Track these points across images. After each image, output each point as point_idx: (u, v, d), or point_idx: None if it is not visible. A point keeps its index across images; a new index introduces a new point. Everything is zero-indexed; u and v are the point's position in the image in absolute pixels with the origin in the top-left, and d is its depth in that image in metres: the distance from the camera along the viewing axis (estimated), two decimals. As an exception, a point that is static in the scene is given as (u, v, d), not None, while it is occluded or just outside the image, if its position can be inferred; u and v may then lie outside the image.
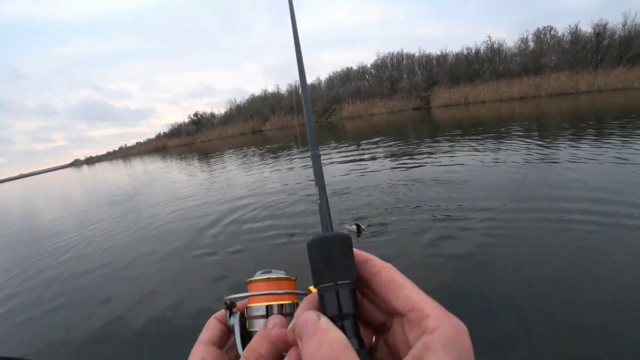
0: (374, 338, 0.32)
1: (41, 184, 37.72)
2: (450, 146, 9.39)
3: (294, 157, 12.44)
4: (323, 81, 42.83)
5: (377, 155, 9.83)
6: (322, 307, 0.28)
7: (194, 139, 47.99)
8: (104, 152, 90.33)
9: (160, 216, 7.26)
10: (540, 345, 2.12)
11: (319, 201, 0.35)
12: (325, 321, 0.26)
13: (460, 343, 0.24)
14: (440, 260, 3.34)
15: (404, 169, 7.40)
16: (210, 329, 0.36)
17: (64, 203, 14.52)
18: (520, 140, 8.72)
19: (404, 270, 0.26)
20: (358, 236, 4.17)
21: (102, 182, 20.72)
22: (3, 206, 20.43)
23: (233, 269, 4.00)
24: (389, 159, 9.01)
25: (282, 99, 41.86)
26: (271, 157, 13.99)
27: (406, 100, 32.09)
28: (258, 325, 0.34)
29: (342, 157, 10.43)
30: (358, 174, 7.57)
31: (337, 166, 8.95)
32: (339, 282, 0.28)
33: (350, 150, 11.55)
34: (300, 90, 0.44)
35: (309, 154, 0.38)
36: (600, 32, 25.01)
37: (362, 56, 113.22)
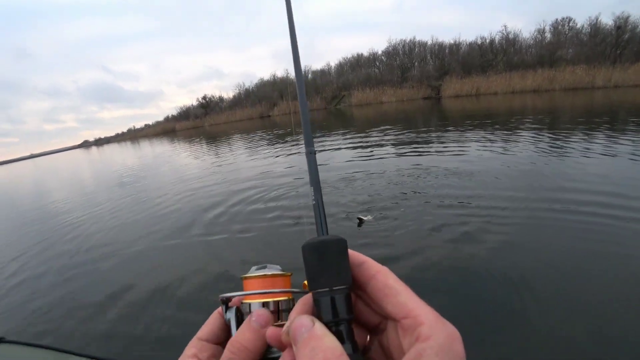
0: (368, 337, 0.33)
1: (51, 164, 38.32)
2: (459, 137, 9.29)
3: (301, 142, 12.41)
4: (333, 67, 42.47)
5: (385, 144, 9.76)
6: (317, 311, 0.28)
7: (202, 122, 48.08)
8: (112, 133, 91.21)
9: (168, 196, 7.40)
10: (555, 341, 2.13)
11: (313, 202, 0.34)
12: (319, 327, 0.26)
13: (454, 351, 0.24)
14: (448, 252, 3.34)
15: (413, 158, 7.36)
16: (210, 324, 0.36)
17: (73, 183, 14.78)
18: (532, 134, 8.60)
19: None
20: (359, 227, 4.14)
21: (110, 164, 20.98)
22: (16, 185, 20.89)
23: (237, 250, 4.08)
24: (397, 148, 8.96)
25: (291, 83, 41.33)
26: (279, 142, 14.00)
27: (416, 89, 31.62)
28: None
29: (350, 144, 10.39)
30: (365, 162, 7.55)
31: (344, 153, 8.94)
32: (334, 288, 0.28)
33: (358, 138, 11.50)
34: (295, 80, 0.42)
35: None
36: (622, 25, 24.24)
37: (373, 42, 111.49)
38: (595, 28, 26.13)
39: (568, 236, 3.32)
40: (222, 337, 0.35)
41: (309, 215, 0.33)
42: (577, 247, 3.11)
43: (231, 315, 0.35)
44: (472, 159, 6.60)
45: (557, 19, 28.90)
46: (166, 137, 41.13)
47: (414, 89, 31.82)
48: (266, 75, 47.32)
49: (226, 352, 0.31)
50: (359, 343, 0.30)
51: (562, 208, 3.91)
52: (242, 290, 0.35)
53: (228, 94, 65.60)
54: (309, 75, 41.69)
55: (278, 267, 0.36)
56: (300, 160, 8.48)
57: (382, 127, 13.53)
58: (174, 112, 57.68)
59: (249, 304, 0.34)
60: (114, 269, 4.21)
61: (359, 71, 37.78)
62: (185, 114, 54.13)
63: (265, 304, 0.34)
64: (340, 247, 0.29)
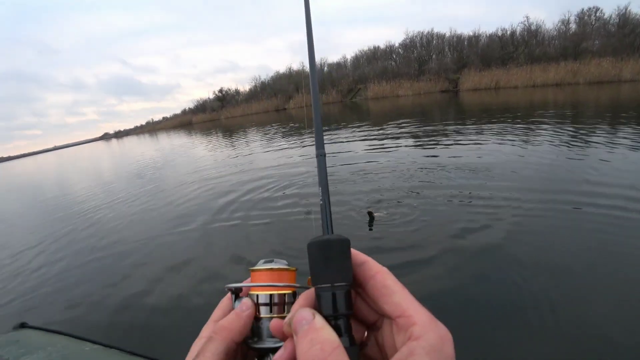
0: (365, 333, 0.34)
1: (74, 156, 39.50)
2: (477, 131, 9.14)
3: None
4: (349, 60, 42.00)
5: (401, 137, 9.70)
6: (318, 305, 0.30)
7: (218, 115, 48.50)
8: (131, 126, 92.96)
9: (185, 186, 7.60)
10: (570, 341, 2.13)
11: (321, 202, 0.36)
12: (319, 320, 0.28)
13: (444, 351, 0.25)
14: (462, 250, 3.31)
15: (428, 151, 7.32)
16: (222, 308, 0.39)
17: (95, 174, 15.26)
18: (554, 128, 8.40)
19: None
20: (370, 224, 4.01)
21: (131, 155, 21.50)
22: (42, 176, 21.75)
23: (249, 240, 4.20)
24: (413, 141, 8.90)
25: (306, 77, 41.14)
26: (293, 136, 14.06)
27: (434, 82, 31.03)
28: (261, 311, 0.36)
29: (365, 137, 10.36)
30: (380, 155, 7.53)
31: (359, 145, 8.93)
32: (336, 284, 0.30)
33: (374, 131, 11.44)
34: (310, 82, 0.46)
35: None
36: (652, 14, 23.12)
37: (390, 35, 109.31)
38: (624, 18, 24.98)
39: (591, 233, 3.25)
40: None
41: (318, 211, 0.35)
42: (603, 245, 3.04)
43: (238, 305, 0.37)
44: (490, 153, 6.51)
45: (582, 9, 27.79)
46: (183, 129, 41.74)
47: (431, 82, 31.23)
48: (282, 68, 47.23)
49: (207, 333, 0.35)
50: (357, 338, 0.32)
51: (588, 202, 3.82)
52: (249, 282, 0.38)
53: (244, 86, 65.94)
54: (325, 68, 41.41)
55: (284, 261, 0.38)
56: (313, 154, 8.50)
57: (398, 121, 13.40)
58: (191, 105, 58.43)
59: (257, 295, 0.36)
60: (137, 258, 4.37)
61: (375, 64, 37.29)
62: (202, 107, 54.71)
63: (271, 296, 0.36)
64: (343, 246, 0.31)
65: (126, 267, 4.08)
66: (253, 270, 0.38)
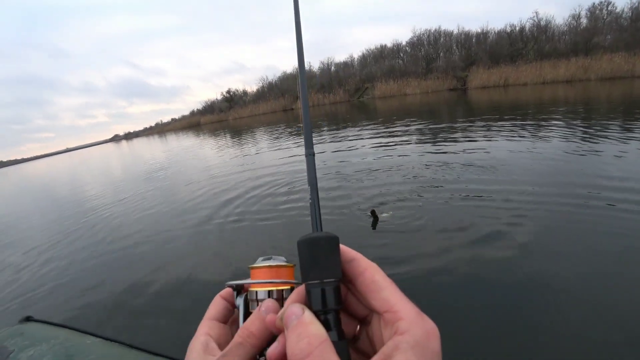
0: (358, 327, 0.35)
1: (85, 157, 40.21)
2: (486, 129, 9.03)
3: (322, 136, 12.45)
4: (356, 59, 42.03)
5: (409, 136, 9.64)
6: (308, 301, 0.31)
7: (226, 116, 48.89)
8: (141, 127, 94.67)
9: (193, 185, 7.68)
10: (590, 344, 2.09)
11: (310, 201, 0.37)
12: (308, 315, 0.29)
13: (429, 347, 0.26)
14: (471, 253, 3.21)
15: (436, 149, 7.26)
16: (215, 305, 0.40)
17: (105, 175, 15.52)
18: (564, 126, 8.25)
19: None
20: (373, 226, 3.89)
21: (139, 157, 21.80)
22: (55, 177, 22.24)
23: (251, 238, 4.22)
24: (420, 140, 8.85)
25: (314, 76, 41.48)
26: (301, 136, 14.02)
27: (441, 80, 30.77)
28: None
29: (372, 136, 10.32)
30: (387, 154, 7.49)
31: (365, 144, 8.90)
32: (325, 280, 0.31)
33: (381, 130, 11.39)
34: (299, 81, 0.47)
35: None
36: (666, 7, 22.61)
37: (397, 33, 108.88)
38: (637, 12, 24.49)
39: (604, 234, 3.16)
40: (227, 317, 0.39)
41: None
42: (615, 247, 2.96)
43: (240, 302, 0.38)
44: (499, 152, 6.42)
45: (594, 3, 27.36)
46: (192, 130, 42.18)
47: (439, 80, 30.97)
48: (289, 68, 47.26)
49: (236, 337, 0.33)
50: (350, 332, 0.34)
51: (597, 204, 3.72)
52: (249, 278, 0.39)
53: (252, 87, 66.40)
54: (332, 68, 41.45)
55: (283, 258, 0.39)
56: (321, 155, 8.53)
57: (406, 120, 13.34)
58: (199, 106, 59.10)
59: (256, 292, 0.37)
60: (142, 254, 4.44)
61: (382, 63, 37.19)
62: (210, 108, 55.23)
63: (270, 292, 0.37)
64: (331, 243, 0.32)
65: (133, 264, 4.15)
66: (252, 268, 0.38)
